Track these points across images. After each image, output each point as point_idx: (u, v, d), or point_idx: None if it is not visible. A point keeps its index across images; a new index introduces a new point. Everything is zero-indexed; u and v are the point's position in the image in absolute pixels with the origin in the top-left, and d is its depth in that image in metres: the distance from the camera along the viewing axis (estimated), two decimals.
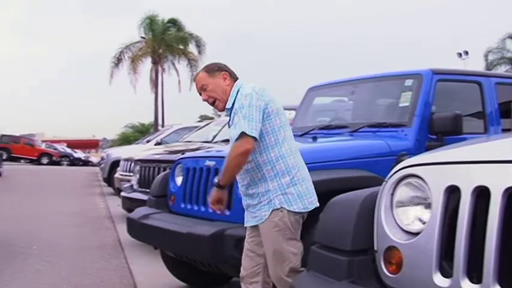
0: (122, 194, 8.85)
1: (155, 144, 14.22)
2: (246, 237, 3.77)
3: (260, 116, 3.46)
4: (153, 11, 39.58)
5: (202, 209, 4.77)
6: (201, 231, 4.30)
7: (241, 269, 3.75)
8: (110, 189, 15.71)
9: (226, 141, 7.82)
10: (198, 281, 5.63)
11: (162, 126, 34.37)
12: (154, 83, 39.30)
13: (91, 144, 68.61)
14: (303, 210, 3.55)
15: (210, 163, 4.77)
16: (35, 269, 6.67)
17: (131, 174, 9.67)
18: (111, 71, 38.17)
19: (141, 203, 6.74)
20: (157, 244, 5.17)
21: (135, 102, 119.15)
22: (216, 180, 3.69)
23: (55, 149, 45.02)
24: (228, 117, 3.76)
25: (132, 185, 8.57)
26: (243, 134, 3.40)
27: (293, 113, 7.32)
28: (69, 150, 46.54)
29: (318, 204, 3.58)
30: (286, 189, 3.51)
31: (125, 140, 39.06)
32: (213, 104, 3.73)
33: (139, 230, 5.15)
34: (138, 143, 18.35)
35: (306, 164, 3.71)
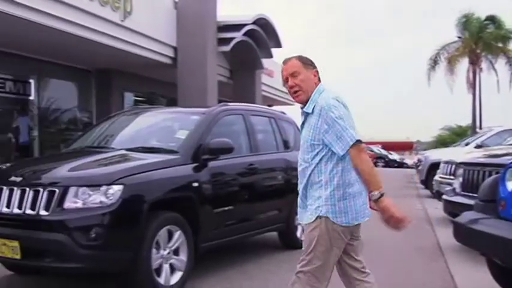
0: (444, 197, 8.67)
1: (475, 147, 13.72)
2: None
3: (351, 121, 3.62)
4: (468, 9, 38.25)
5: None
6: None
7: None
8: (427, 192, 15.57)
9: None
10: None
11: (480, 128, 33.04)
12: (471, 83, 37.91)
13: (405, 146, 68.78)
14: (345, 225, 3.62)
15: None
16: None
17: (452, 177, 9.43)
18: (428, 73, 37.82)
19: (464, 207, 6.53)
20: (485, 250, 4.96)
21: (451, 104, 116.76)
22: (374, 194, 3.59)
23: (371, 150, 46.04)
24: (303, 117, 3.82)
25: (454, 188, 8.35)
26: (355, 143, 3.55)
27: None
28: (384, 152, 47.31)
29: (362, 220, 3.68)
30: (336, 202, 3.60)
31: (441, 142, 38.42)
32: (294, 92, 3.75)
33: (466, 235, 4.99)
34: (456, 146, 17.86)
35: None
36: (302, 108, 3.81)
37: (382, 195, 3.56)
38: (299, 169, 3.82)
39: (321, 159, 3.65)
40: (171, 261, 5.56)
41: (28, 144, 14.85)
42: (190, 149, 6.13)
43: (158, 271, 5.38)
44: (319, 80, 3.80)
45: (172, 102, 18.57)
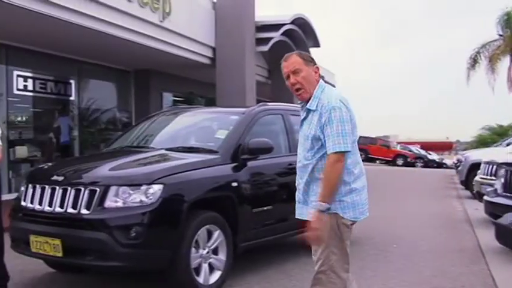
0: (485, 198, 8.55)
1: None
2: None
3: (349, 127, 3.56)
4: (510, 6, 37.45)
5: None
6: None
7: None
8: (467, 192, 15.34)
9: None
10: None
11: None
12: None
13: (445, 146, 67.83)
14: (354, 219, 3.67)
15: None
16: (396, 267, 6.84)
17: (494, 178, 9.28)
18: (467, 73, 37.20)
19: (506, 208, 6.44)
20: None
21: (491, 103, 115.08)
22: (322, 205, 3.54)
23: (410, 150, 45.60)
24: (304, 113, 3.78)
25: (495, 189, 8.22)
26: (337, 152, 3.51)
27: None
28: (423, 152, 46.68)
29: (367, 215, 3.73)
30: (342, 197, 3.61)
31: (482, 142, 37.65)
32: (297, 90, 3.73)
33: (508, 237, 4.91)
34: (497, 146, 17.56)
35: None
36: (303, 105, 3.81)
37: (327, 209, 3.55)
38: (299, 165, 3.81)
39: (322, 156, 3.63)
40: (210, 260, 5.59)
41: (69, 144, 15.07)
42: (229, 149, 6.16)
43: (197, 270, 5.42)
44: (319, 76, 3.79)
45: (210, 102, 18.65)
